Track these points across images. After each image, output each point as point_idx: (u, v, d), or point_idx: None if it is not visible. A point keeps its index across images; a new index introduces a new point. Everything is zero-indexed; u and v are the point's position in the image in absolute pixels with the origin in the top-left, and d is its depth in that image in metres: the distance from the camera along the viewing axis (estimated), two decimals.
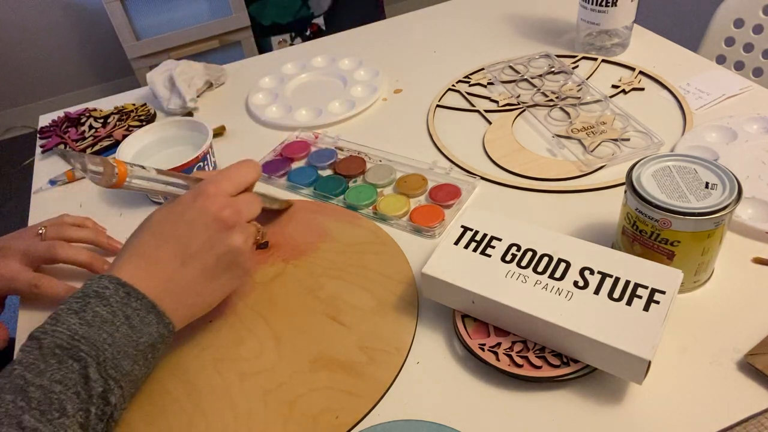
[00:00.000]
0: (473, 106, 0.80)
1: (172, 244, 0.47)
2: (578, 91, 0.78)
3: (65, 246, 0.59)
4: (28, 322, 0.57)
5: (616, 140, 0.68)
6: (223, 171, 0.51)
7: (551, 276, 0.47)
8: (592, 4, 0.81)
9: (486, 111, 0.78)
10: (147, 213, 0.68)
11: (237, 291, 0.56)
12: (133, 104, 0.89)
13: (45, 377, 0.40)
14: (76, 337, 0.41)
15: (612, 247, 0.52)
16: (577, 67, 0.84)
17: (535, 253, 0.49)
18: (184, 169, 0.67)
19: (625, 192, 0.49)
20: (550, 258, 0.48)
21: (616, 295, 0.44)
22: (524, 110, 0.77)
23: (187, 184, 0.51)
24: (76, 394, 0.40)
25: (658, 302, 0.43)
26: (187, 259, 0.46)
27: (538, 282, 0.46)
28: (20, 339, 0.56)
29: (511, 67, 0.86)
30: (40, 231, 0.60)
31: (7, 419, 0.38)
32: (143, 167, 0.48)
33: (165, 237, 0.47)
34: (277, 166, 0.72)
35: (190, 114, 0.86)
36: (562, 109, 0.76)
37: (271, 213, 0.64)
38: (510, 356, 0.46)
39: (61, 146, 0.42)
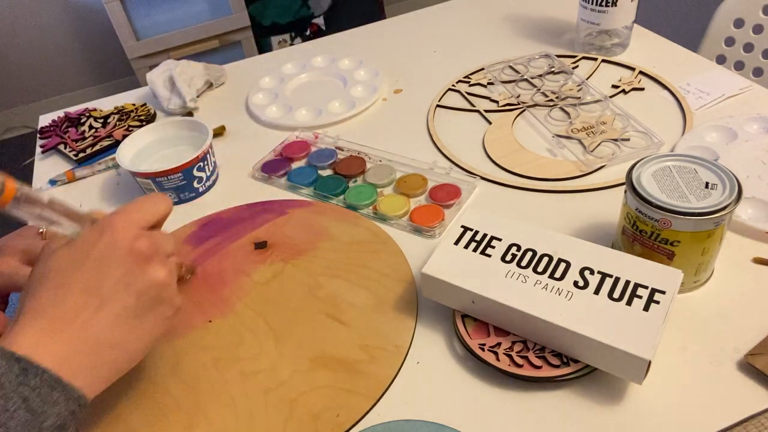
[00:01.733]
0: (473, 106, 0.80)
1: (78, 290, 0.39)
2: (578, 91, 0.78)
3: (59, 243, 0.58)
4: None
5: (616, 140, 0.68)
6: (128, 204, 0.44)
7: (551, 276, 0.47)
8: (592, 4, 0.81)
9: (486, 111, 0.78)
10: None
11: (236, 291, 0.56)
12: (133, 104, 0.89)
13: None
14: None
15: (612, 247, 0.52)
16: (577, 67, 0.84)
17: (535, 253, 0.49)
18: (184, 169, 0.67)
19: (625, 192, 0.49)
20: (550, 258, 0.48)
21: (616, 295, 0.44)
22: (524, 110, 0.77)
23: (80, 223, 0.44)
24: None
25: (658, 302, 0.43)
26: (100, 304, 0.39)
27: (538, 282, 0.46)
28: None
29: (511, 67, 0.86)
30: (41, 230, 0.60)
31: None
32: (35, 192, 0.42)
33: (68, 285, 0.39)
34: (277, 166, 0.72)
35: (190, 114, 0.86)
36: (562, 109, 0.76)
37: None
38: (510, 356, 0.46)
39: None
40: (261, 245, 0.61)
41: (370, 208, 0.65)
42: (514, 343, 0.47)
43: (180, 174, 0.67)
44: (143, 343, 0.42)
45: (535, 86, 0.81)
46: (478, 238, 0.51)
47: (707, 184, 0.47)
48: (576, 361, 0.45)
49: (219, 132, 0.81)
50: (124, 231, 0.41)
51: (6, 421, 0.34)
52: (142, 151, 0.73)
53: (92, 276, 0.40)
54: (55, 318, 0.39)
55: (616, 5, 0.80)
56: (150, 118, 0.86)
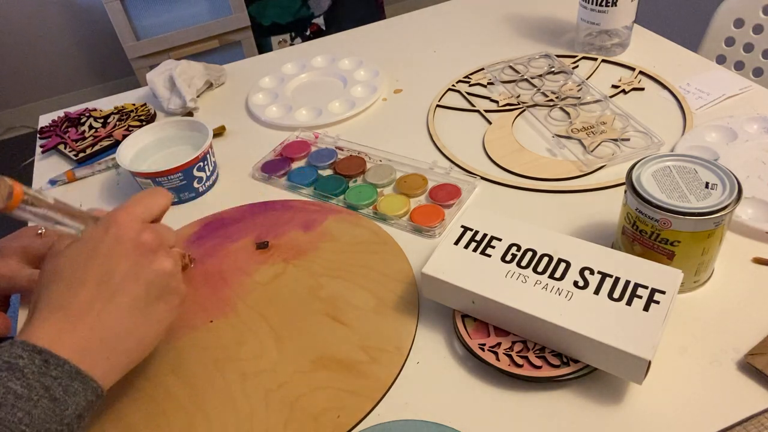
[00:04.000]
0: (473, 106, 0.80)
1: (90, 284, 0.41)
2: (578, 91, 0.78)
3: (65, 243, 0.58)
4: None
5: (616, 140, 0.68)
6: (129, 200, 0.46)
7: (551, 276, 0.47)
8: (592, 4, 0.81)
9: (486, 111, 0.78)
10: None
11: (237, 291, 0.56)
12: (133, 104, 0.89)
13: None
14: None
15: (612, 247, 0.52)
16: (577, 67, 0.84)
17: (535, 253, 0.49)
18: (184, 169, 0.67)
19: (625, 192, 0.49)
20: (550, 258, 0.48)
21: (616, 295, 0.44)
22: (524, 110, 0.77)
23: (84, 222, 0.45)
24: None
25: (658, 302, 0.43)
26: (111, 296, 0.41)
27: (538, 282, 0.46)
28: None
29: (511, 67, 0.86)
30: (40, 231, 0.60)
31: None
32: (40, 194, 0.43)
33: (80, 279, 0.41)
34: (277, 166, 0.72)
35: (190, 114, 0.86)
36: (562, 109, 0.76)
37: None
38: (510, 356, 0.46)
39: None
40: (262, 245, 0.61)
41: (370, 208, 0.65)
42: (514, 343, 0.47)
43: (180, 174, 0.67)
44: (155, 332, 0.44)
45: (535, 86, 0.81)
46: (478, 238, 0.51)
47: (707, 184, 0.47)
48: (576, 361, 0.45)
49: (219, 132, 0.81)
50: (129, 225, 0.43)
51: (30, 409, 0.36)
52: (142, 151, 0.73)
53: (102, 269, 0.42)
54: (70, 311, 0.40)
55: (616, 5, 0.80)
56: (150, 118, 0.86)
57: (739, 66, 1.11)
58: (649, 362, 0.40)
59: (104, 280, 0.41)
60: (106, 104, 0.92)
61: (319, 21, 2.32)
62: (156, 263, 0.43)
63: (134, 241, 0.43)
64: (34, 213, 0.43)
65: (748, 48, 1.08)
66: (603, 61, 0.84)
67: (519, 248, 0.49)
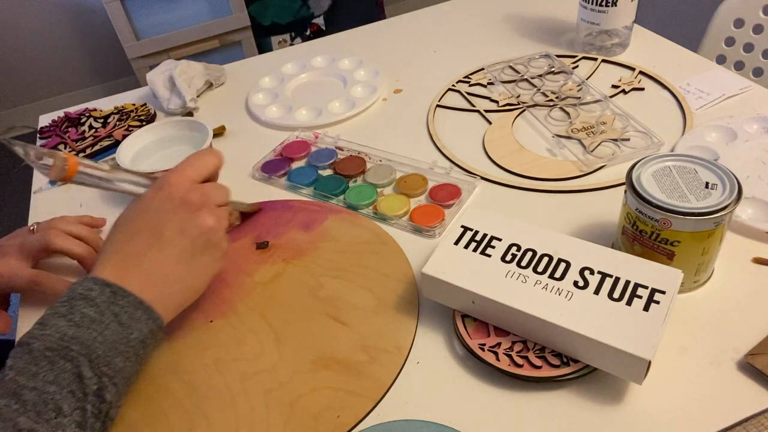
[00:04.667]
0: (473, 106, 0.80)
1: (144, 234, 0.47)
2: (578, 91, 0.78)
3: (60, 235, 0.59)
4: (28, 319, 0.57)
5: (616, 140, 0.68)
6: (183, 161, 0.51)
7: (551, 276, 0.47)
8: (592, 4, 0.81)
9: (486, 111, 0.78)
10: None
11: (237, 291, 0.56)
12: (133, 104, 0.89)
13: (38, 379, 0.39)
14: (66, 339, 0.41)
15: (612, 247, 0.52)
16: (577, 67, 0.84)
17: (535, 253, 0.49)
18: None
19: (625, 192, 0.49)
20: (550, 258, 0.48)
21: (616, 295, 0.44)
22: (524, 110, 0.77)
23: (144, 181, 0.53)
24: (71, 393, 0.40)
25: (658, 302, 0.43)
26: (162, 246, 0.47)
27: (538, 282, 0.46)
28: (20, 336, 0.56)
29: (511, 67, 0.86)
30: (32, 227, 0.61)
31: (3, 423, 0.37)
32: (95, 163, 0.50)
33: (136, 230, 0.48)
34: (277, 166, 0.72)
35: (190, 114, 0.86)
36: (562, 109, 0.76)
37: (240, 215, 0.65)
38: (510, 356, 0.46)
39: (12, 142, 0.43)
40: (262, 245, 0.61)
41: (370, 208, 0.65)
42: (514, 343, 0.47)
43: None
44: (200, 280, 0.50)
45: (535, 86, 0.81)
46: (478, 238, 0.51)
47: (707, 184, 0.47)
48: (576, 361, 0.45)
49: (219, 132, 0.81)
50: (178, 185, 0.49)
51: (103, 330, 0.43)
52: (142, 151, 0.73)
53: (154, 222, 0.47)
54: (129, 255, 0.47)
55: (616, 5, 0.80)
56: (150, 118, 0.86)
57: (739, 66, 1.11)
58: (649, 362, 0.40)
59: (156, 232, 0.47)
60: (106, 104, 0.92)
61: (319, 21, 2.32)
62: (199, 220, 0.48)
63: (181, 199, 0.48)
64: (93, 176, 0.49)
65: (748, 48, 1.08)
66: (603, 61, 0.84)
67: (519, 248, 0.49)
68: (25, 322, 0.57)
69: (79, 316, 0.42)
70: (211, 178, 0.53)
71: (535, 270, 0.47)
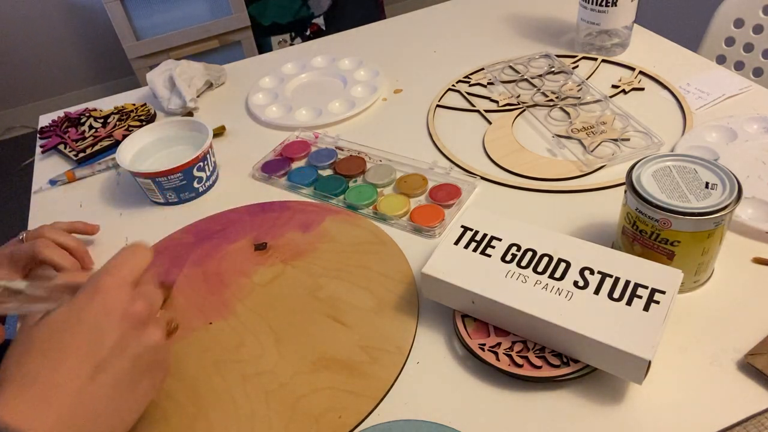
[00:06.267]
0: (473, 106, 0.80)
1: (72, 357, 0.37)
2: (578, 91, 0.78)
3: (49, 245, 0.58)
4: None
5: (616, 140, 0.68)
6: (112, 261, 0.42)
7: (551, 276, 0.47)
8: (592, 4, 0.81)
9: (486, 111, 0.78)
10: (146, 213, 0.70)
11: (236, 293, 0.56)
12: (133, 104, 0.89)
13: None
14: None
15: (612, 247, 0.52)
16: (577, 67, 0.84)
17: (535, 253, 0.49)
18: (184, 169, 0.67)
19: (625, 192, 0.49)
20: (550, 258, 0.48)
21: (616, 295, 0.44)
22: (524, 110, 0.77)
23: (59, 297, 0.42)
24: None
25: (658, 302, 0.43)
26: (96, 371, 0.37)
27: (538, 282, 0.46)
28: None
29: (511, 67, 0.86)
30: (21, 237, 0.60)
31: None
32: (10, 284, 0.42)
33: (62, 351, 0.37)
34: (277, 166, 0.72)
35: (190, 114, 0.86)
36: (562, 109, 0.76)
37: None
38: (510, 356, 0.46)
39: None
40: (261, 246, 0.61)
41: (370, 208, 0.65)
42: (514, 343, 0.47)
43: (180, 174, 0.67)
44: (135, 410, 0.40)
45: (535, 86, 0.81)
46: (478, 238, 0.51)
47: (707, 184, 0.47)
48: (576, 361, 0.45)
49: (219, 132, 0.81)
50: (117, 293, 0.39)
51: None
52: (142, 151, 0.73)
53: (86, 341, 0.37)
54: (47, 386, 0.36)
55: (616, 5, 0.80)
56: (150, 118, 0.86)
57: (739, 66, 1.11)
58: (649, 362, 0.40)
59: (87, 355, 0.37)
60: (106, 104, 0.92)
61: (319, 21, 2.32)
62: (145, 336, 0.40)
63: (123, 312, 0.39)
64: (7, 309, 0.41)
65: (748, 48, 1.08)
66: (603, 61, 0.84)
67: (519, 248, 0.49)
68: (25, 326, 0.57)
69: None
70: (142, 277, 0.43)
71: (535, 270, 0.47)
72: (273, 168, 0.72)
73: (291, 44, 2.32)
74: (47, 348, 0.37)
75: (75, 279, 0.43)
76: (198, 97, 0.90)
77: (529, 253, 0.49)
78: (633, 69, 0.81)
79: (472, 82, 0.84)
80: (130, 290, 0.40)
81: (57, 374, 0.36)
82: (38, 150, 0.84)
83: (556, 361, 0.45)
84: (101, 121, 0.86)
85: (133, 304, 0.39)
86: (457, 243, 0.51)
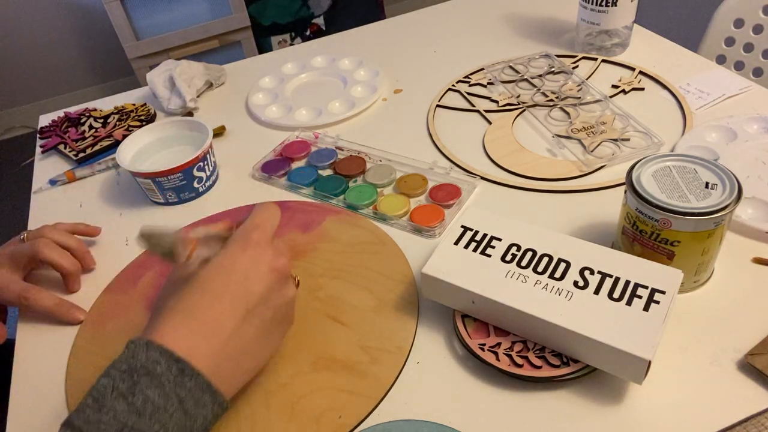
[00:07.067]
0: (473, 106, 0.80)
1: (228, 299, 0.41)
2: (578, 91, 0.78)
3: (49, 244, 0.58)
4: (28, 322, 0.57)
5: (616, 140, 0.68)
6: (256, 218, 0.46)
7: (551, 276, 0.47)
8: (592, 4, 0.81)
9: (486, 111, 0.78)
10: (146, 212, 0.70)
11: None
12: (133, 104, 0.89)
13: None
14: (125, 430, 0.35)
15: (612, 247, 0.52)
16: (577, 67, 0.84)
17: (535, 253, 0.49)
18: (184, 169, 0.67)
19: (625, 192, 0.49)
20: (550, 258, 0.48)
21: (616, 295, 0.44)
22: (524, 110, 0.77)
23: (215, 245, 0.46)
24: None
25: (658, 302, 0.43)
26: (244, 315, 0.41)
27: (538, 282, 0.46)
28: (20, 341, 0.56)
29: (511, 67, 0.86)
30: (22, 237, 0.60)
31: None
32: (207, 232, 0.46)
33: (218, 293, 0.41)
34: (277, 166, 0.72)
35: (190, 114, 0.86)
36: (562, 109, 0.76)
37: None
38: (510, 356, 0.46)
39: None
40: None
41: (370, 208, 0.65)
42: (514, 343, 0.47)
43: (180, 174, 0.67)
44: (267, 356, 0.45)
45: (535, 86, 0.81)
46: (478, 238, 0.51)
47: (707, 184, 0.47)
48: (576, 361, 0.45)
49: (219, 132, 0.81)
50: (264, 249, 0.44)
51: (166, 421, 0.37)
52: (142, 151, 0.73)
53: (239, 287, 0.41)
54: (206, 321, 0.40)
55: (616, 5, 0.80)
56: (150, 118, 0.86)
57: (739, 66, 1.11)
58: (649, 362, 0.40)
59: (241, 298, 0.41)
60: (106, 104, 0.92)
61: (319, 21, 2.32)
62: (285, 290, 0.44)
63: (270, 266, 0.43)
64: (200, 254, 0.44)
65: (748, 48, 1.08)
66: (603, 61, 0.84)
67: (519, 248, 0.49)
68: (26, 326, 0.57)
69: (142, 401, 0.36)
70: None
71: (535, 270, 0.47)
72: (273, 168, 0.72)
73: (291, 44, 2.32)
74: (204, 287, 0.41)
75: (224, 228, 0.47)
76: (198, 97, 0.90)
77: (529, 253, 0.49)
78: (633, 69, 0.81)
79: (472, 82, 0.84)
80: (274, 247, 0.44)
81: (213, 312, 0.40)
82: (38, 150, 0.84)
83: (556, 361, 0.45)
84: (101, 121, 0.86)
85: (276, 259, 0.44)
86: (457, 243, 0.51)
